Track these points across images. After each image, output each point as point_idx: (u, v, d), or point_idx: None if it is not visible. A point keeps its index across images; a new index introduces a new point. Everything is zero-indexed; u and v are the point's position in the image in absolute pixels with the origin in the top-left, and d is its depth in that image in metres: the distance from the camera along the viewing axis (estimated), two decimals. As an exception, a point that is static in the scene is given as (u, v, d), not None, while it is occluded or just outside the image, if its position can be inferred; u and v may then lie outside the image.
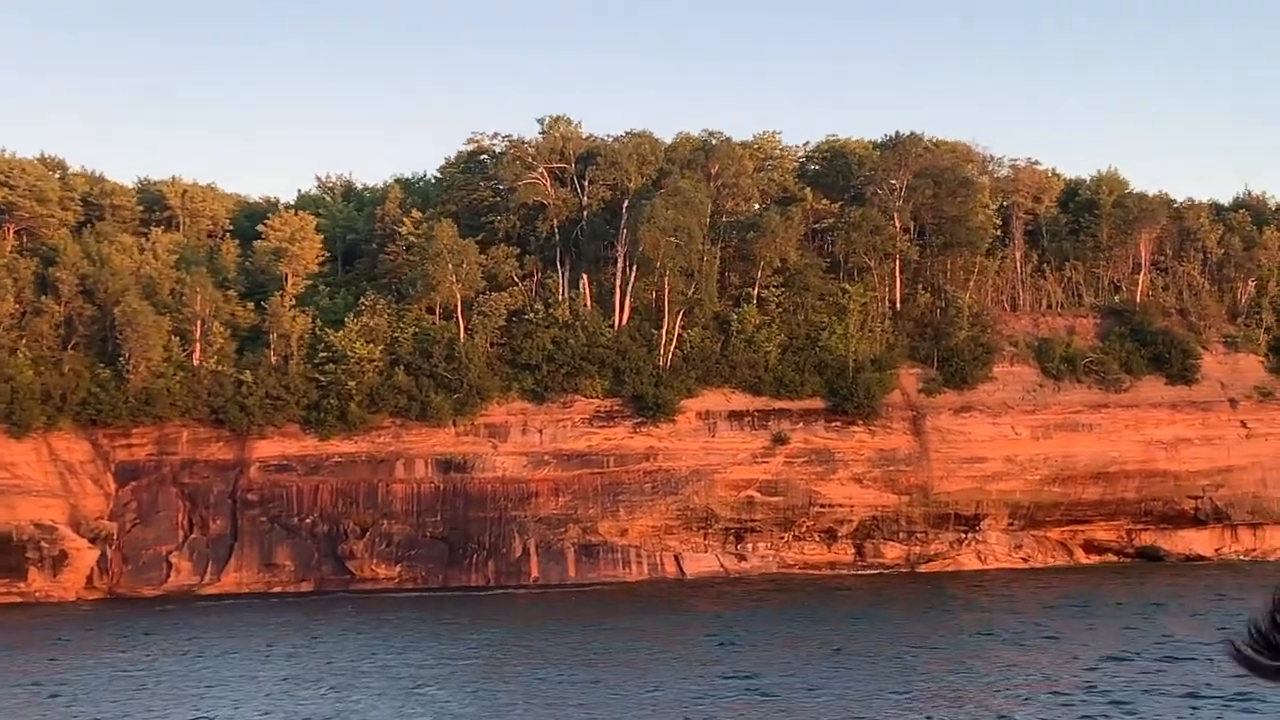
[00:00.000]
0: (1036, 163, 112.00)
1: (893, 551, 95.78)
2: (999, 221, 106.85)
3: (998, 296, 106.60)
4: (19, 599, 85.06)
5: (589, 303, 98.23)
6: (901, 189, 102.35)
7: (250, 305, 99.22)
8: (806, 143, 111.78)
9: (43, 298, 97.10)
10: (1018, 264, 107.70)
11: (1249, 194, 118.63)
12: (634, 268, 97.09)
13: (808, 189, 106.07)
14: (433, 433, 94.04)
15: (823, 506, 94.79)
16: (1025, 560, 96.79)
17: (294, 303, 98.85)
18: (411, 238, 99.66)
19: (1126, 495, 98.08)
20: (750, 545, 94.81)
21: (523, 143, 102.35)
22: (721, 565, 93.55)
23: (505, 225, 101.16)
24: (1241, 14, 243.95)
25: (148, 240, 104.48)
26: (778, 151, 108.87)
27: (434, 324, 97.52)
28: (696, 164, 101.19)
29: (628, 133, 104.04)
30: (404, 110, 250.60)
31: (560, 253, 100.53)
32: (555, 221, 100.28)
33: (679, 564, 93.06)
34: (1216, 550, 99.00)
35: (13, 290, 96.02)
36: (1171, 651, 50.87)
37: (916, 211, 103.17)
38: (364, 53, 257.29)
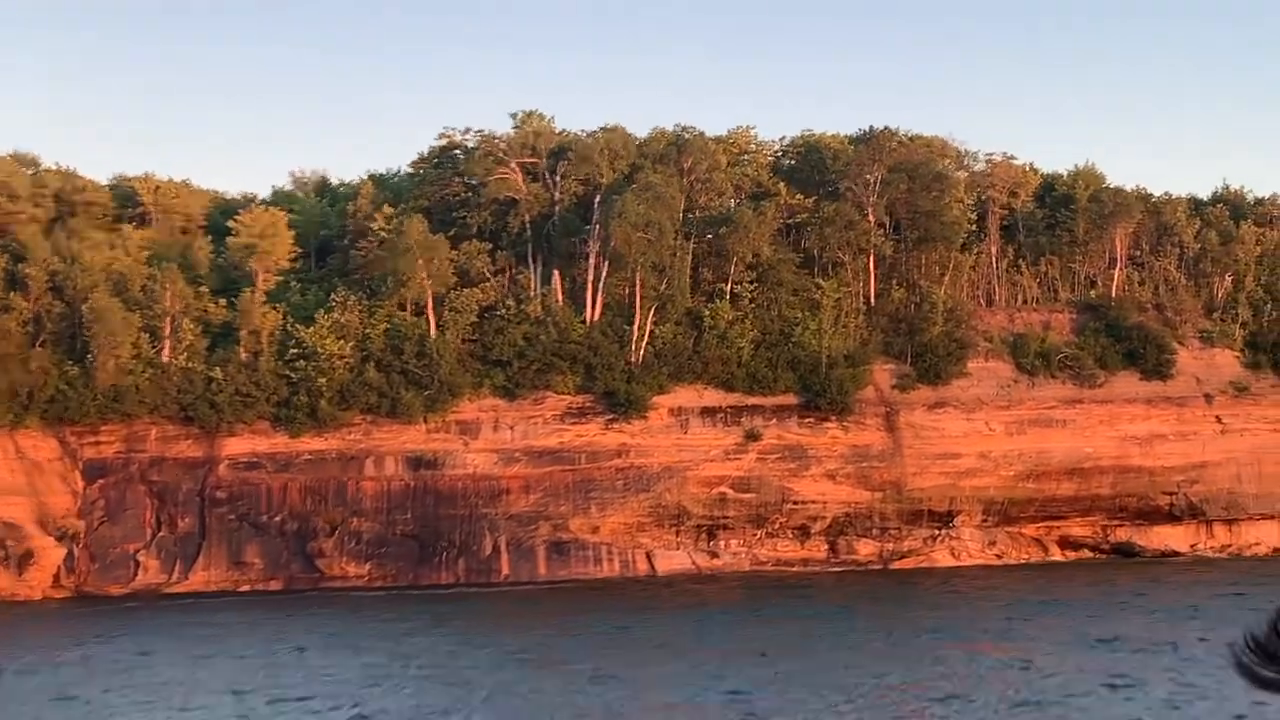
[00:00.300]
0: (1013, 157, 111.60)
1: (866, 548, 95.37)
2: (974, 216, 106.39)
3: (973, 292, 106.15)
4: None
5: (561, 298, 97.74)
6: (876, 184, 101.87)
7: (223, 302, 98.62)
8: (784, 137, 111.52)
9: (11, 294, 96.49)
10: (993, 259, 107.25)
11: (1227, 188, 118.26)
12: (606, 263, 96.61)
13: (781, 184, 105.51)
14: (403, 430, 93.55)
15: (795, 503, 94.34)
16: (999, 557, 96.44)
17: (265, 299, 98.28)
18: (383, 233, 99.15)
19: (1101, 491, 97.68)
20: (723, 542, 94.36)
21: (494, 138, 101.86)
22: (694, 562, 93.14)
23: (477, 221, 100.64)
24: (1240, 13, 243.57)
25: (119, 237, 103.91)
26: (752, 146, 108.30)
27: (405, 320, 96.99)
28: (669, 159, 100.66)
29: (601, 128, 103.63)
30: (379, 106, 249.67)
31: (532, 248, 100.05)
32: (527, 217, 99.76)
33: (651, 561, 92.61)
34: (1192, 546, 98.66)
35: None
36: (1091, 652, 50.32)
37: (891, 206, 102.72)
38: (342, 47, 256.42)
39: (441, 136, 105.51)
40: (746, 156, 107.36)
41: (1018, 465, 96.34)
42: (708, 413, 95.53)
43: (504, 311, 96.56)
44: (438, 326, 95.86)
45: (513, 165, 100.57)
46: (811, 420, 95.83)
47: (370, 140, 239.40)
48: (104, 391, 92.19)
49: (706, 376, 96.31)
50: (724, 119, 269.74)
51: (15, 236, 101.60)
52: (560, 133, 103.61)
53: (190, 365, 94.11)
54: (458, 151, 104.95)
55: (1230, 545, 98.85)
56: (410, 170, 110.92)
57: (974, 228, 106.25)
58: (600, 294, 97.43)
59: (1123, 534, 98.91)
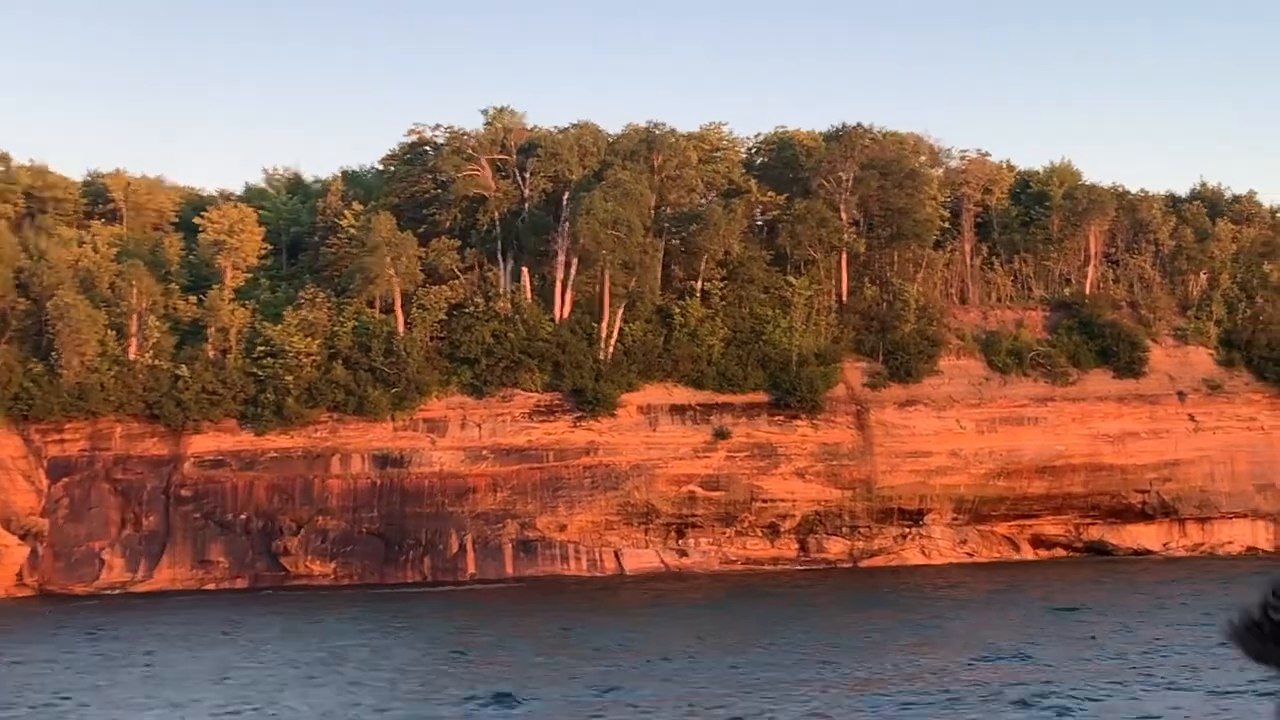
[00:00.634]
0: (987, 154, 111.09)
1: (836, 546, 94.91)
2: (948, 214, 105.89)
3: (946, 290, 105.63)
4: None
5: (530, 296, 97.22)
6: (848, 181, 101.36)
7: (193, 299, 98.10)
8: (757, 134, 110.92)
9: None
10: (967, 256, 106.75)
11: (1204, 185, 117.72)
12: (575, 261, 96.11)
13: (753, 181, 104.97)
14: (370, 427, 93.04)
15: (765, 501, 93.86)
16: (970, 555, 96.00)
17: (235, 296, 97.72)
18: (352, 230, 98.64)
19: (1073, 489, 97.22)
20: (692, 541, 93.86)
21: (463, 134, 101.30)
22: (662, 561, 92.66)
23: (447, 218, 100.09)
24: (1220, 11, 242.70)
25: (89, 234, 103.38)
26: (725, 143, 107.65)
27: (373, 318, 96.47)
28: (639, 156, 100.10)
29: (572, 124, 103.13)
30: (356, 103, 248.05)
31: (502, 245, 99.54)
32: (497, 214, 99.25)
33: (619, 560, 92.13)
34: (1164, 545, 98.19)
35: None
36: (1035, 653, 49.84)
37: (864, 203, 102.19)
38: (321, 41, 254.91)
39: (411, 133, 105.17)
40: (719, 153, 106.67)
41: (989, 463, 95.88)
42: (677, 411, 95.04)
43: (472, 309, 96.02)
44: (406, 324, 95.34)
45: (482, 162, 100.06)
46: (781, 418, 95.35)
47: (346, 136, 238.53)
48: (69, 389, 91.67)
49: (676, 374, 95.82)
50: (697, 116, 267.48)
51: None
52: (531, 129, 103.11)
53: (157, 363, 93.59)
54: (428, 148, 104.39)
55: (1203, 544, 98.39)
56: (380, 167, 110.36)
57: (948, 225, 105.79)
58: (569, 291, 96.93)
59: (1095, 532, 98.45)
